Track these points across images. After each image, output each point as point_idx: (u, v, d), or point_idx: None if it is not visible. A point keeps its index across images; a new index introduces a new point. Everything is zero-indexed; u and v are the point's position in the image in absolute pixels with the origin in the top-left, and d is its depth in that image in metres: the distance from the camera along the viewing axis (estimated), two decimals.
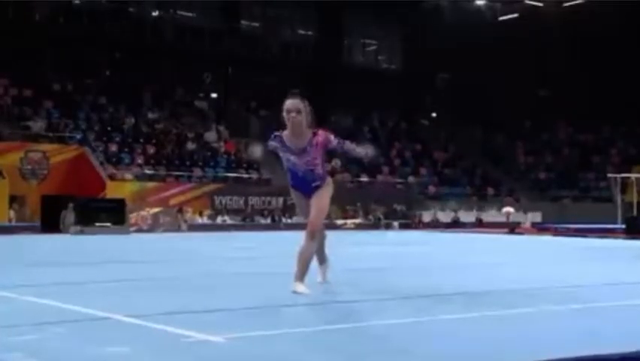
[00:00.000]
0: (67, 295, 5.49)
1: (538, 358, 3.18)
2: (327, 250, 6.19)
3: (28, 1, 30.52)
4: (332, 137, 5.82)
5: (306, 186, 5.78)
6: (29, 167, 24.71)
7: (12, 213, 23.22)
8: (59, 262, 10.03)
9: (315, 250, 5.84)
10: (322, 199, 5.77)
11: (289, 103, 5.67)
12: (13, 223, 22.48)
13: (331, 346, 3.65)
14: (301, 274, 5.55)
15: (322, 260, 6.16)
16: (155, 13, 33.74)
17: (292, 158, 5.71)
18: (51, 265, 9.39)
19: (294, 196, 6.00)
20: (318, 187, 5.79)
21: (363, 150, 6.36)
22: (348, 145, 6.06)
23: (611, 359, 3.25)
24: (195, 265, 9.40)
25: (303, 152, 5.71)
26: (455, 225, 28.19)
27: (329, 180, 5.94)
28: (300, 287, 5.44)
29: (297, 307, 4.96)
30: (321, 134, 5.76)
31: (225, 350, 3.52)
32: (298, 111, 5.61)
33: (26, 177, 24.61)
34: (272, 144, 5.75)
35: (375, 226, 27.77)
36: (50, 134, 26.22)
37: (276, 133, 5.79)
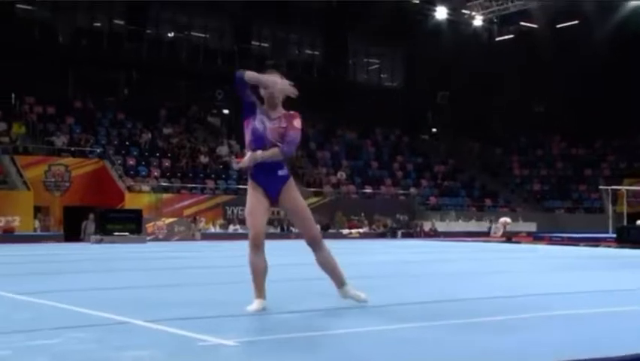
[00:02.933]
0: (88, 301, 5.49)
1: None
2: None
3: (53, 24, 30.78)
4: (294, 133, 4.98)
5: (270, 177, 4.97)
6: (53, 179, 24.78)
7: (37, 223, 23.26)
8: (81, 270, 10.03)
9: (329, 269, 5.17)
10: (302, 207, 5.12)
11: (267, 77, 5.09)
12: (38, 232, 22.53)
13: (344, 350, 3.62)
14: (340, 280, 5.12)
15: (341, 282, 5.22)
16: (171, 35, 33.88)
17: (266, 121, 5.01)
18: (73, 273, 9.39)
19: (251, 194, 5.04)
20: (284, 180, 5.03)
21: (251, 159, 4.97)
22: (273, 151, 4.94)
23: None
24: (208, 272, 9.37)
25: (276, 120, 5.06)
26: (456, 234, 28.09)
27: (292, 179, 5.17)
28: (353, 291, 5.09)
29: (301, 313, 4.92)
30: (297, 118, 5.06)
31: (237, 353, 3.51)
32: (276, 84, 5.04)
33: (50, 189, 24.67)
34: (251, 98, 5.05)
35: (381, 234, 27.76)
36: (72, 149, 26.30)
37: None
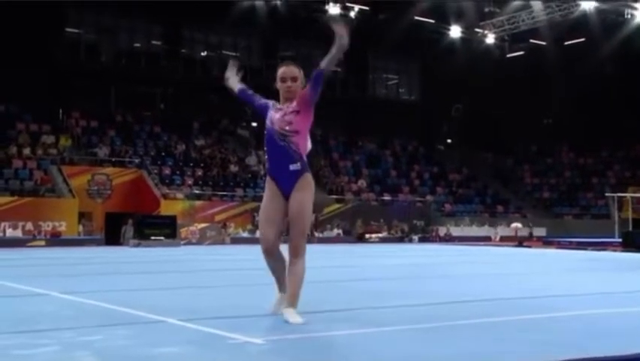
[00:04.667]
0: (127, 301, 5.51)
1: None
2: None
3: (97, 46, 31.22)
4: (310, 86, 4.41)
5: (283, 170, 4.35)
6: (95, 188, 25.06)
7: (81, 228, 23.52)
8: (120, 271, 10.09)
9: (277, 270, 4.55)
10: (302, 213, 4.37)
11: (284, 70, 4.50)
12: (82, 236, 22.80)
13: (367, 349, 3.61)
14: (291, 300, 4.34)
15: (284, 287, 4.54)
16: (204, 54, 34.15)
17: (272, 113, 4.47)
18: (113, 274, 9.45)
19: (265, 192, 4.51)
20: (296, 175, 4.36)
21: (337, 47, 4.41)
22: (326, 62, 4.40)
23: None
24: (238, 274, 9.36)
25: (283, 108, 4.46)
26: (469, 238, 27.92)
27: (310, 177, 4.43)
28: (297, 317, 4.24)
29: (324, 313, 4.89)
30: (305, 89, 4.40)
31: (263, 351, 3.50)
32: (294, 79, 4.47)
33: (93, 196, 24.94)
34: (263, 101, 4.63)
35: (400, 239, 27.65)
36: (113, 160, 26.60)
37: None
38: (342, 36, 4.39)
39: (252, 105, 4.73)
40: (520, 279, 8.61)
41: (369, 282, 7.91)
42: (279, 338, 3.79)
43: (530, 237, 27.66)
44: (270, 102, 4.58)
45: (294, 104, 4.43)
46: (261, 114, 4.63)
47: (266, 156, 4.58)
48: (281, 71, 4.51)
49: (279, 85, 4.50)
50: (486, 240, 27.33)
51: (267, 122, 4.47)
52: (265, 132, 4.48)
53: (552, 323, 4.50)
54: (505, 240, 26.37)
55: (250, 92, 4.79)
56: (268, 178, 4.53)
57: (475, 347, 3.60)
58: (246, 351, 3.48)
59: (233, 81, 4.97)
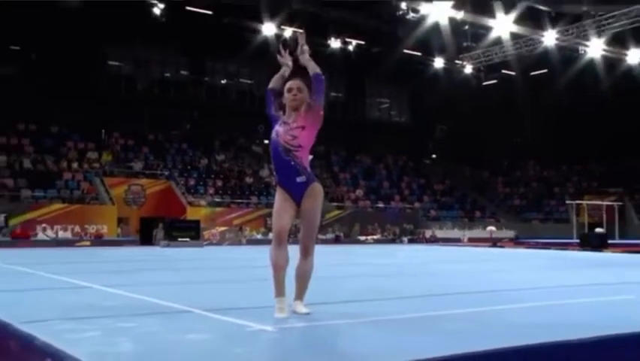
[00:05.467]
0: (158, 293, 5.51)
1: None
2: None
3: (133, 76, 31.42)
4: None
5: (291, 181, 4.08)
6: (131, 196, 25.11)
7: (119, 230, 23.54)
8: (153, 268, 10.10)
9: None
10: (313, 215, 4.13)
11: (291, 83, 4.23)
12: (120, 238, 22.80)
13: (373, 336, 3.61)
14: (300, 293, 4.20)
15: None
16: (224, 82, 34.28)
17: (277, 127, 4.15)
18: (147, 270, 9.46)
19: (277, 197, 4.21)
20: (304, 186, 4.10)
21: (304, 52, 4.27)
22: (311, 67, 4.17)
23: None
24: (253, 270, 9.31)
25: (288, 122, 4.14)
26: (451, 240, 27.86)
27: (317, 186, 4.17)
28: (304, 308, 4.14)
29: (330, 304, 4.87)
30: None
31: (275, 338, 3.52)
32: (299, 89, 4.17)
33: (129, 203, 24.99)
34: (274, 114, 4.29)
35: (392, 240, 27.58)
36: (146, 172, 26.65)
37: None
38: (303, 44, 4.26)
39: (267, 108, 4.34)
40: (492, 275, 8.54)
41: (365, 278, 7.91)
42: (288, 327, 3.80)
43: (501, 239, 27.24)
44: (281, 118, 4.26)
45: (301, 118, 4.10)
46: (270, 122, 4.32)
47: (273, 167, 4.26)
48: (288, 84, 4.23)
49: (285, 97, 4.17)
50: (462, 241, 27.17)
51: (273, 133, 4.17)
52: (270, 143, 4.17)
53: (504, 314, 4.46)
54: (473, 241, 26.23)
55: (273, 98, 4.36)
56: (279, 189, 4.24)
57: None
58: (260, 338, 3.50)
59: (281, 73, 4.44)
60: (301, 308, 4.16)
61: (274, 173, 4.29)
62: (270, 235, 21.00)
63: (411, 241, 27.41)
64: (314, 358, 3.05)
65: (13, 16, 24.97)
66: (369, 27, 28.66)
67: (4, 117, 25.68)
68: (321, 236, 25.64)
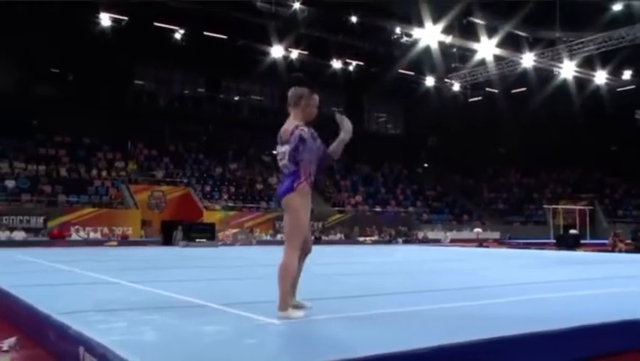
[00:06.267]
0: (177, 289, 5.52)
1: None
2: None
3: (155, 93, 31.56)
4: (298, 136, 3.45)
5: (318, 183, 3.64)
6: (154, 201, 25.13)
7: (143, 232, 23.58)
8: (173, 266, 10.08)
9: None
10: (287, 233, 3.73)
11: (317, 98, 3.75)
12: (144, 239, 22.82)
13: (375, 328, 3.61)
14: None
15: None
16: (237, 98, 34.39)
17: (308, 131, 3.66)
18: (167, 268, 9.45)
19: (307, 203, 3.78)
20: (281, 197, 3.65)
21: (341, 140, 3.75)
22: (331, 149, 3.61)
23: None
24: (262, 269, 9.24)
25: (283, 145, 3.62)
26: (441, 240, 27.79)
27: (293, 199, 3.58)
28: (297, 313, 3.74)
29: (333, 299, 4.88)
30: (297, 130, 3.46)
31: (282, 330, 3.54)
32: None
33: (152, 208, 25.02)
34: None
35: (388, 241, 27.54)
36: (167, 180, 26.71)
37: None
38: (348, 131, 3.73)
39: (300, 150, 3.70)
40: (479, 272, 8.49)
41: (362, 276, 7.92)
42: (293, 320, 3.81)
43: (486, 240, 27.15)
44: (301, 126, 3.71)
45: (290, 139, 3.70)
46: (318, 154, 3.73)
47: (312, 169, 3.65)
48: (317, 98, 3.74)
49: (312, 109, 3.69)
50: (453, 242, 27.06)
51: (308, 134, 3.67)
52: (308, 142, 3.63)
53: (487, 308, 4.45)
54: (461, 241, 26.14)
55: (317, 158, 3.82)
56: (308, 191, 3.65)
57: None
58: (268, 330, 3.52)
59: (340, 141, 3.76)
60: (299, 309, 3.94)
61: (307, 175, 3.59)
62: (279, 237, 20.58)
63: (405, 242, 27.34)
64: (317, 347, 3.09)
65: (53, 43, 25.57)
66: (368, 49, 28.90)
67: (43, 131, 26.09)
68: (324, 237, 25.71)
